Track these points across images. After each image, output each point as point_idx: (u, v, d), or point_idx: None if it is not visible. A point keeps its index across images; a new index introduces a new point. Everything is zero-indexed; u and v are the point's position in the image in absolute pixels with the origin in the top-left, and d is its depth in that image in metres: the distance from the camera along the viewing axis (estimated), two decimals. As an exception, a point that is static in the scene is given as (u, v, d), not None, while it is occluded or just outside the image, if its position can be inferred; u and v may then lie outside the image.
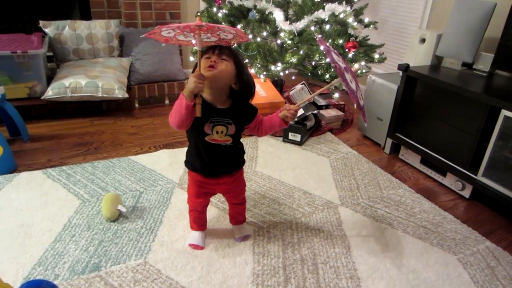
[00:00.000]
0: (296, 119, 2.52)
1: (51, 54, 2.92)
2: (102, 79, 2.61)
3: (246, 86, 1.32)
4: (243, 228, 1.63)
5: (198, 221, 1.56)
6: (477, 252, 1.62)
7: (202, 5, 3.27)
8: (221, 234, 1.62)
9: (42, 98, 2.52)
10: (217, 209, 1.78)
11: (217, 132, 1.30)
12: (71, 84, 2.52)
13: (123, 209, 1.66)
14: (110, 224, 1.64)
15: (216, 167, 1.38)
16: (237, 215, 1.61)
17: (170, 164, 2.13)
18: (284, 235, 1.64)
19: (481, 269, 1.53)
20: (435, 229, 1.75)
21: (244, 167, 1.49)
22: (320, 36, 1.45)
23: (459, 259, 1.57)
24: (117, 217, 1.67)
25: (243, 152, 1.45)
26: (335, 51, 1.40)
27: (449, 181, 2.11)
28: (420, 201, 1.97)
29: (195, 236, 1.56)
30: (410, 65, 2.25)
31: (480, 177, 1.90)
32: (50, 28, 2.78)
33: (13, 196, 1.78)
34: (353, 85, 1.35)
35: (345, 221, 1.77)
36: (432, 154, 2.15)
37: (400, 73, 2.32)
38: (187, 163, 1.42)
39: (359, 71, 2.56)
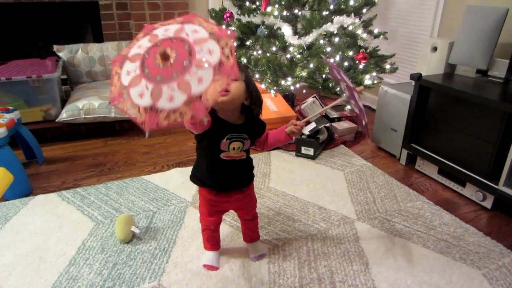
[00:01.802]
0: (308, 133, 2.50)
1: (65, 77, 2.98)
2: (115, 100, 2.64)
3: (256, 101, 1.31)
4: (258, 246, 1.60)
5: (212, 240, 1.53)
6: (503, 266, 1.55)
7: (211, 23, 3.31)
8: (235, 253, 1.60)
9: (56, 120, 2.56)
10: (230, 227, 1.75)
11: (233, 148, 1.29)
12: (84, 106, 2.56)
13: (137, 230, 1.65)
14: (124, 246, 1.63)
15: (228, 183, 1.37)
16: (250, 232, 1.58)
17: (183, 182, 2.12)
18: (300, 253, 1.60)
19: (508, 284, 1.46)
20: (457, 243, 1.69)
21: (257, 183, 1.48)
22: (327, 57, 1.44)
23: (484, 274, 1.51)
24: (131, 238, 1.66)
25: (253, 167, 1.44)
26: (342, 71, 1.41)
27: (469, 191, 2.04)
28: (439, 213, 1.90)
29: (209, 256, 1.53)
30: (423, 74, 2.21)
31: (501, 186, 1.83)
32: (63, 52, 2.85)
33: (28, 219, 1.79)
34: (361, 104, 1.36)
35: (362, 237, 1.72)
36: (450, 164, 2.09)
37: (413, 82, 2.28)
38: (195, 178, 1.39)
39: (370, 82, 2.54)
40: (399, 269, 1.53)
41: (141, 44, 0.99)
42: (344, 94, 1.40)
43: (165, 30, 0.99)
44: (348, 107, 2.62)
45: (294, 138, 1.41)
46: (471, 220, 1.87)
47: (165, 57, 0.93)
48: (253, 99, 1.30)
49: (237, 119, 1.29)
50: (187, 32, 0.96)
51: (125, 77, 0.97)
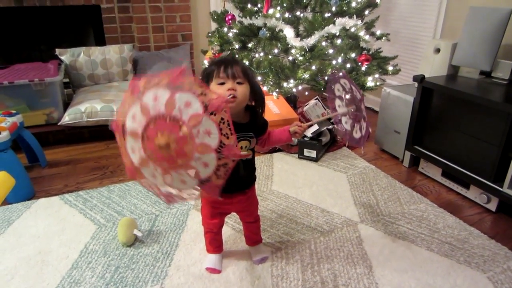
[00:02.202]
0: (311, 135, 2.49)
1: (67, 80, 2.98)
2: (117, 103, 2.65)
3: (260, 100, 1.32)
4: (260, 249, 1.59)
5: (214, 243, 1.53)
6: (508, 270, 1.53)
7: (213, 26, 3.31)
8: (238, 256, 1.59)
9: (59, 124, 2.56)
10: (233, 230, 1.75)
11: (241, 147, 1.28)
12: (87, 109, 2.56)
13: (139, 234, 1.65)
14: (126, 249, 1.62)
15: (231, 184, 1.35)
16: (253, 234, 1.58)
17: (185, 185, 2.11)
18: (302, 256, 1.59)
19: (513, 288, 1.45)
20: (461, 246, 1.67)
21: (260, 185, 1.47)
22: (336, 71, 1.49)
23: (489, 277, 1.49)
24: (133, 241, 1.66)
25: (255, 168, 1.43)
26: (346, 87, 1.43)
27: (473, 194, 2.03)
28: (443, 216, 1.89)
29: (212, 259, 1.52)
30: (426, 76, 2.20)
31: (506, 189, 1.82)
32: (66, 55, 2.85)
33: (31, 223, 1.79)
34: (348, 126, 1.46)
35: (365, 239, 1.71)
36: (454, 166, 2.08)
37: (416, 84, 2.27)
38: None
39: (373, 84, 2.53)
40: (403, 272, 1.52)
41: (135, 115, 0.94)
42: (346, 108, 1.46)
43: (154, 99, 0.92)
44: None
45: (295, 139, 1.42)
46: (475, 223, 1.86)
47: (166, 146, 0.92)
48: (258, 100, 1.31)
49: (242, 118, 1.29)
50: (180, 106, 0.91)
51: (132, 155, 0.97)
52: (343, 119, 1.48)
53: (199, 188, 0.99)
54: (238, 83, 1.20)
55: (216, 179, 0.97)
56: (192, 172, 0.95)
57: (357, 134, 1.47)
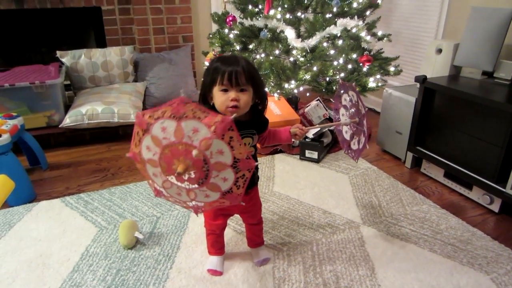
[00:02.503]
0: (312, 136, 2.48)
1: (68, 82, 2.98)
2: (118, 105, 2.64)
3: (262, 98, 1.31)
4: (262, 251, 1.58)
5: (216, 245, 1.52)
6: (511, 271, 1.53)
7: (214, 27, 3.31)
8: (239, 258, 1.58)
9: (60, 126, 2.56)
10: (234, 232, 1.74)
11: (244, 144, 1.28)
12: (87, 111, 2.56)
13: (140, 236, 1.64)
14: (128, 251, 1.61)
15: None
16: (255, 236, 1.57)
17: (186, 187, 2.11)
18: (304, 258, 1.58)
19: (517, 289, 1.43)
20: (464, 247, 1.66)
21: (261, 187, 1.47)
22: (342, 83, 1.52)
23: (492, 279, 1.48)
24: (134, 244, 1.65)
25: (258, 168, 1.43)
26: (352, 100, 1.45)
27: (476, 195, 2.02)
28: (446, 217, 1.88)
29: (214, 261, 1.52)
30: (428, 77, 2.19)
31: (509, 190, 1.81)
32: (67, 57, 2.85)
33: (32, 226, 1.79)
34: (347, 136, 1.55)
35: (368, 241, 1.70)
36: (456, 167, 2.07)
37: (418, 85, 2.26)
38: None
39: (374, 85, 2.52)
40: (406, 273, 1.51)
41: (149, 146, 1.00)
42: (349, 119, 1.51)
43: (162, 129, 0.96)
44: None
45: (295, 141, 1.44)
46: (478, 224, 1.85)
47: (186, 170, 0.98)
48: (261, 98, 1.30)
49: (244, 116, 1.28)
50: (188, 134, 0.95)
51: (155, 178, 1.06)
52: (344, 128, 1.53)
53: (223, 200, 1.06)
54: (242, 90, 1.19)
55: (236, 190, 1.03)
56: (215, 187, 1.03)
57: (354, 146, 1.50)
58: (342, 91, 1.51)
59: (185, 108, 0.94)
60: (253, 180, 1.42)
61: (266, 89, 2.52)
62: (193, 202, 1.07)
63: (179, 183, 1.03)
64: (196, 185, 1.02)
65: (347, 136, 1.53)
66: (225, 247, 1.56)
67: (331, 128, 2.64)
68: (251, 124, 1.29)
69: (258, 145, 1.41)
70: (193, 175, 1.00)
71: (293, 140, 1.42)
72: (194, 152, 0.95)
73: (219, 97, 1.19)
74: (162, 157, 0.99)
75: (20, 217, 1.85)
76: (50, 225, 1.79)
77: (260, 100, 1.30)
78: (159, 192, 1.08)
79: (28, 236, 1.72)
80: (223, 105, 1.19)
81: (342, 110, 1.52)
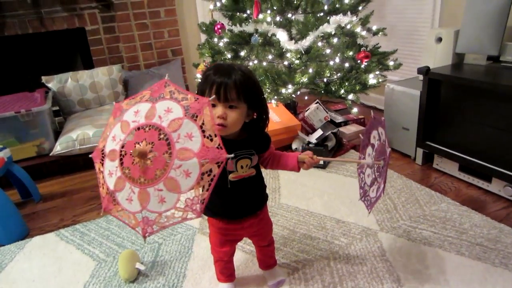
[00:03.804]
0: (315, 141, 2.36)
1: (57, 108, 2.87)
2: (110, 127, 2.52)
3: (261, 113, 1.17)
4: (276, 272, 1.45)
5: (226, 271, 1.39)
6: (550, 268, 1.39)
7: (203, 37, 3.21)
8: (252, 282, 1.45)
9: (51, 154, 2.44)
10: (243, 253, 1.61)
11: (241, 167, 1.15)
12: (78, 136, 2.44)
13: (142, 267, 1.51)
14: (129, 285, 1.48)
15: (240, 207, 1.22)
16: (267, 258, 1.44)
17: (188, 207, 1.98)
18: (322, 275, 1.45)
19: (560, 289, 1.30)
20: (493, 246, 1.53)
21: (267, 200, 1.33)
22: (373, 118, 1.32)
23: (531, 280, 1.35)
24: (136, 276, 1.52)
25: (265, 186, 1.30)
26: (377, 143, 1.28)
27: (497, 187, 1.89)
28: (468, 214, 1.75)
29: (224, 288, 1.39)
30: (430, 67, 2.08)
31: (533, 179, 1.69)
32: (52, 82, 2.74)
33: (25, 266, 1.65)
34: (369, 180, 1.29)
35: (388, 249, 1.57)
36: (472, 159, 1.95)
37: (420, 77, 2.15)
38: (205, 209, 1.26)
39: (375, 81, 2.41)
40: (435, 282, 1.38)
41: (115, 135, 0.91)
42: (374, 161, 1.27)
43: (135, 114, 0.90)
44: (355, 109, 2.48)
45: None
46: (504, 219, 1.72)
47: (142, 155, 0.84)
48: (259, 113, 1.17)
49: (239, 134, 1.15)
50: (160, 114, 0.86)
51: (108, 179, 0.91)
52: (367, 171, 1.30)
53: (181, 207, 0.88)
54: (231, 106, 1.06)
55: (199, 192, 0.86)
56: (173, 186, 0.85)
57: (372, 193, 1.29)
58: (373, 127, 1.30)
59: (164, 90, 0.89)
60: (262, 200, 1.29)
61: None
62: (143, 213, 0.89)
63: (133, 179, 0.87)
64: (150, 182, 0.85)
65: (368, 181, 1.30)
66: (235, 272, 1.43)
67: (335, 127, 2.52)
68: (249, 143, 1.15)
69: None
70: (150, 164, 0.85)
71: (300, 168, 1.24)
72: (165, 156, 0.84)
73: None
74: (124, 144, 0.89)
75: (12, 257, 1.72)
76: (44, 263, 1.66)
77: (258, 116, 1.17)
78: (108, 202, 0.93)
79: (21, 278, 1.58)
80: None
81: (369, 149, 1.29)
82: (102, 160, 0.94)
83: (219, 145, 0.85)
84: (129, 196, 0.88)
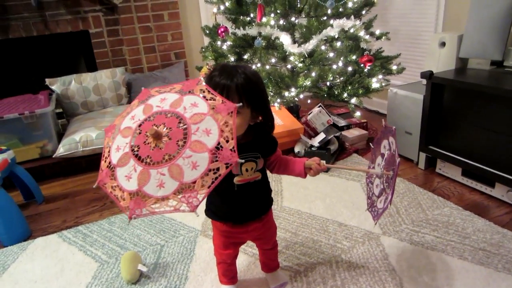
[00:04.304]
0: (318, 144, 2.36)
1: (60, 110, 2.88)
2: (113, 129, 2.53)
3: (266, 116, 1.16)
4: (278, 275, 1.45)
5: (228, 274, 1.39)
6: (554, 274, 1.39)
7: (206, 41, 3.22)
8: (254, 285, 1.45)
9: (54, 156, 2.45)
10: (246, 255, 1.60)
11: (246, 170, 1.14)
12: (81, 138, 2.45)
13: (144, 269, 1.51)
14: (131, 287, 1.48)
15: (245, 211, 1.22)
16: (270, 261, 1.44)
17: (190, 210, 1.97)
18: (325, 278, 1.45)
19: None
20: (496, 251, 1.53)
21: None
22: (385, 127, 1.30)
23: (534, 285, 1.35)
24: (138, 278, 1.51)
25: (271, 190, 1.30)
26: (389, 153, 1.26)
27: (500, 192, 1.89)
28: (471, 219, 1.75)
29: (226, 291, 1.38)
30: (434, 72, 2.08)
31: (536, 184, 1.68)
32: (56, 84, 2.75)
33: (27, 266, 1.66)
34: (377, 191, 1.27)
35: (391, 253, 1.56)
36: (475, 164, 1.94)
37: (423, 81, 2.15)
38: (210, 212, 1.25)
39: (378, 85, 2.41)
40: (438, 286, 1.37)
41: (135, 115, 0.92)
42: (381, 170, 1.25)
43: (161, 100, 0.92)
44: (358, 113, 2.48)
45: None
46: (507, 224, 1.71)
47: (157, 136, 0.85)
48: (264, 116, 1.15)
49: (244, 137, 1.14)
50: (185, 105, 0.88)
51: (114, 154, 0.91)
52: (376, 181, 1.29)
53: (178, 197, 0.86)
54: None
55: (200, 187, 0.84)
56: (177, 174, 0.84)
57: (380, 204, 1.26)
58: (383, 136, 1.29)
59: (195, 87, 0.93)
60: (267, 204, 1.29)
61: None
62: (135, 196, 0.87)
63: (139, 155, 0.87)
64: (155, 164, 0.85)
65: (376, 191, 1.29)
66: (237, 274, 1.42)
67: (337, 130, 2.52)
68: (254, 146, 1.15)
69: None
70: (162, 146, 0.85)
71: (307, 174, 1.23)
72: (179, 143, 0.85)
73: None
74: (142, 124, 0.90)
75: (15, 258, 1.72)
76: (47, 264, 1.66)
77: (264, 119, 1.16)
78: (105, 175, 0.92)
79: (23, 278, 1.58)
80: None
81: (379, 159, 1.28)
82: (114, 136, 0.94)
83: (233, 147, 0.86)
84: (129, 173, 0.87)
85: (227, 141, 0.86)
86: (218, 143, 0.85)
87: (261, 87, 1.12)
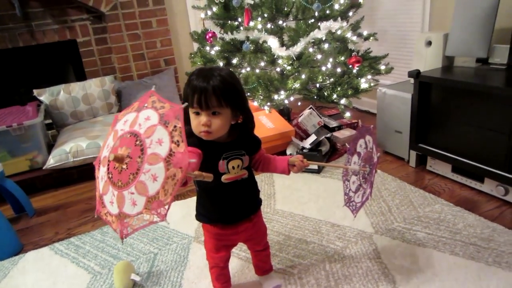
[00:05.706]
0: (309, 146, 2.37)
1: (50, 121, 2.86)
2: (103, 138, 2.52)
3: (247, 117, 1.17)
4: (271, 278, 1.45)
5: (222, 278, 1.38)
6: (544, 266, 1.40)
7: (195, 46, 3.22)
8: (248, 289, 1.45)
9: (44, 168, 2.43)
10: (239, 260, 1.60)
11: (233, 167, 1.16)
12: (71, 148, 2.43)
13: (137, 278, 1.50)
14: (125, 297, 1.47)
15: (235, 210, 1.23)
16: (262, 263, 1.44)
17: (183, 216, 1.97)
18: (318, 279, 1.45)
19: (555, 287, 1.31)
20: (486, 245, 1.54)
21: (262, 206, 1.34)
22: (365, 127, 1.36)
23: (525, 278, 1.36)
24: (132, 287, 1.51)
25: (259, 190, 1.31)
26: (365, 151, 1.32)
27: (489, 187, 1.91)
28: (462, 214, 1.76)
29: (220, 296, 1.38)
30: (421, 70, 2.10)
31: (524, 178, 1.70)
32: (45, 95, 2.74)
33: (19, 281, 1.64)
34: (354, 187, 1.35)
35: (383, 251, 1.57)
36: (464, 160, 1.96)
37: (411, 80, 2.17)
38: (200, 215, 1.27)
39: (367, 86, 2.42)
40: (430, 282, 1.38)
41: (108, 143, 0.98)
42: (359, 168, 1.32)
43: (124, 123, 0.96)
44: (348, 114, 2.49)
45: (291, 172, 1.28)
46: (496, 218, 1.73)
47: (118, 160, 0.89)
48: (244, 117, 1.17)
49: (228, 136, 1.16)
50: (140, 122, 0.92)
51: (100, 184, 0.97)
52: (353, 178, 1.34)
53: (148, 209, 0.89)
54: (214, 113, 1.07)
55: (164, 195, 0.87)
56: (142, 190, 0.88)
57: (357, 198, 1.33)
58: (359, 136, 1.34)
59: (148, 100, 0.95)
60: (255, 203, 1.30)
61: (256, 103, 2.42)
62: (119, 218, 0.93)
63: (113, 180, 0.91)
64: (125, 185, 0.89)
65: (353, 187, 1.34)
66: (231, 279, 1.42)
67: (328, 131, 2.53)
68: (238, 144, 1.17)
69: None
70: (126, 168, 0.89)
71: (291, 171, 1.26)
72: (138, 161, 0.88)
73: (192, 120, 1.09)
74: (112, 150, 0.93)
75: (6, 273, 1.70)
76: (39, 278, 1.64)
77: (244, 118, 1.17)
78: (98, 204, 0.98)
79: (15, 293, 1.57)
80: (196, 129, 1.09)
81: (355, 158, 1.34)
82: (99, 167, 0.99)
83: (184, 150, 0.87)
84: (111, 199, 0.92)
85: (178, 145, 0.87)
86: (170, 150, 0.87)
87: (238, 87, 1.13)
